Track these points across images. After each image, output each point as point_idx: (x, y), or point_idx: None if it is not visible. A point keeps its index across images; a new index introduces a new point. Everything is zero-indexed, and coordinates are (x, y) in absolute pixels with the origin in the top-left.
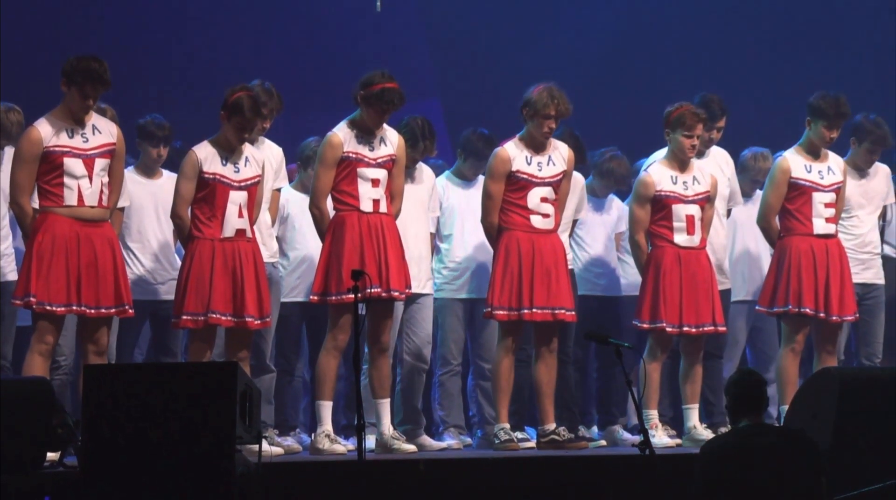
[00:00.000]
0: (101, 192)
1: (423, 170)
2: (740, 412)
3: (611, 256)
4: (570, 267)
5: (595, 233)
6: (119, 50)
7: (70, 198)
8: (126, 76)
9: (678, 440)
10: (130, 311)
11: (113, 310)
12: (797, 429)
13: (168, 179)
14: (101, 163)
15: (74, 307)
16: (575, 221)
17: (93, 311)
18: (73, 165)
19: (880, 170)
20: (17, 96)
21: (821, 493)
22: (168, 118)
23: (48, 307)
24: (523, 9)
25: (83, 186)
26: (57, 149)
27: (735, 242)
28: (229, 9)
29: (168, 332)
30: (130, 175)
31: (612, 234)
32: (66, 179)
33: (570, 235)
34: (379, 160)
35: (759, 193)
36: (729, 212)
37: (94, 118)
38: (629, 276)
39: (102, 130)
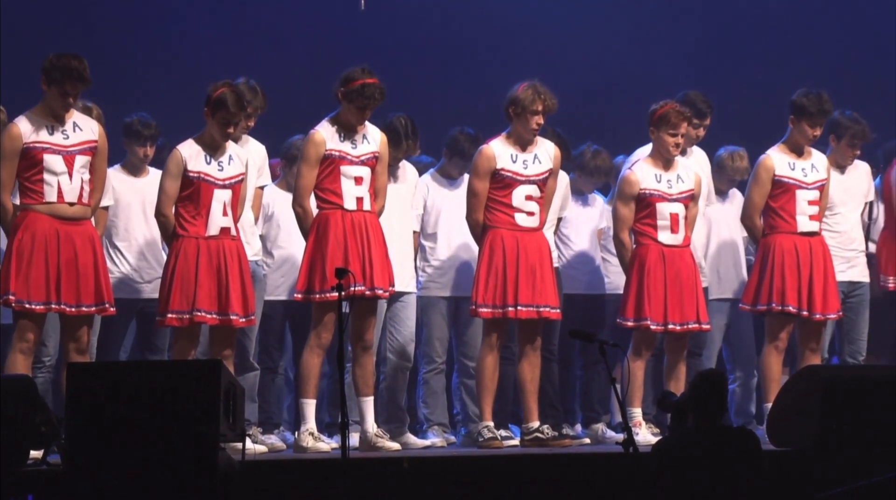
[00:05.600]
0: (82, 189)
1: (407, 168)
2: (693, 412)
3: (595, 253)
4: (555, 265)
5: (579, 230)
6: (106, 48)
7: (50, 195)
8: (112, 74)
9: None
10: (111, 309)
11: (93, 308)
12: (738, 427)
13: (155, 177)
14: (81, 160)
15: (54, 306)
16: (559, 219)
17: (73, 309)
18: (53, 161)
19: (860, 166)
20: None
21: (761, 481)
22: (154, 116)
23: (27, 305)
24: (496, 6)
25: (63, 183)
26: (37, 145)
27: (710, 240)
28: (215, 6)
29: (154, 330)
30: (117, 174)
31: (595, 231)
32: (46, 176)
33: (555, 233)
34: (362, 158)
35: (733, 192)
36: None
37: (75, 116)
38: (612, 274)
39: (84, 128)
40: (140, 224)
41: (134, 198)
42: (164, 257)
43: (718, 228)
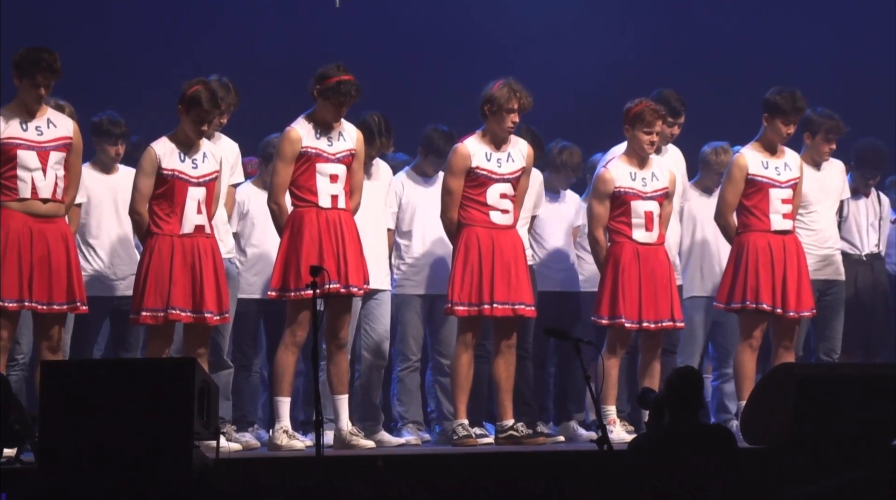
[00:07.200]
0: (56, 185)
1: (380, 166)
2: (668, 409)
3: (569, 250)
4: (529, 263)
5: (553, 228)
6: (77, 45)
7: (24, 191)
8: (83, 72)
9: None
10: (83, 307)
11: (65, 306)
12: (714, 424)
13: (124, 173)
14: (56, 156)
15: (26, 303)
16: (533, 218)
17: (45, 307)
18: (27, 157)
19: (834, 165)
20: None
21: (736, 478)
22: (126, 115)
23: (0, 303)
24: (471, 4)
25: (37, 179)
26: (11, 141)
27: (693, 237)
28: (188, 3)
29: (128, 327)
30: (87, 171)
31: (570, 228)
32: (20, 172)
33: (529, 232)
34: (338, 155)
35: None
36: (681, 210)
37: (49, 113)
38: (587, 271)
39: (58, 124)
40: (112, 221)
41: (106, 195)
42: (138, 255)
43: (702, 225)
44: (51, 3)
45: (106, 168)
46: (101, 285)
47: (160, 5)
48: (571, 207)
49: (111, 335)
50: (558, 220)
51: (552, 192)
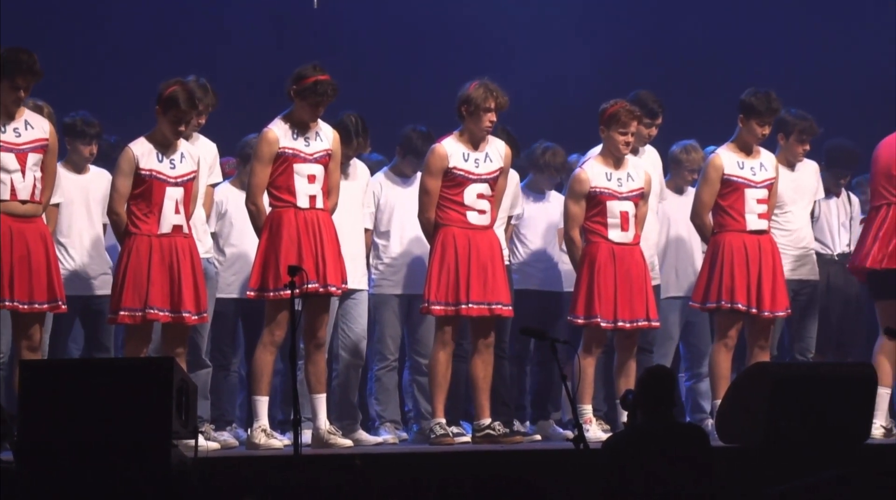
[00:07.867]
0: (34, 186)
1: (358, 166)
2: (641, 408)
3: (552, 250)
4: (506, 263)
5: (537, 228)
6: (56, 45)
7: (3, 192)
8: (60, 71)
9: None
10: (63, 306)
11: (46, 305)
12: (687, 423)
13: (96, 173)
14: (33, 157)
15: (7, 303)
16: (510, 218)
17: (25, 306)
18: (6, 159)
19: (808, 165)
20: None
21: (710, 476)
22: (103, 115)
23: None
24: (448, 4)
25: (16, 180)
26: None
27: (668, 236)
28: (166, 3)
29: (100, 327)
30: (59, 171)
31: (554, 228)
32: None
33: (511, 232)
34: (315, 155)
35: (690, 189)
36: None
37: (26, 114)
38: (571, 271)
39: (35, 126)
40: (84, 221)
41: (77, 195)
42: (108, 254)
43: (676, 224)
44: (30, 3)
45: (78, 168)
46: (73, 284)
47: (138, 5)
48: (556, 207)
49: (85, 336)
50: (543, 220)
51: (536, 192)
